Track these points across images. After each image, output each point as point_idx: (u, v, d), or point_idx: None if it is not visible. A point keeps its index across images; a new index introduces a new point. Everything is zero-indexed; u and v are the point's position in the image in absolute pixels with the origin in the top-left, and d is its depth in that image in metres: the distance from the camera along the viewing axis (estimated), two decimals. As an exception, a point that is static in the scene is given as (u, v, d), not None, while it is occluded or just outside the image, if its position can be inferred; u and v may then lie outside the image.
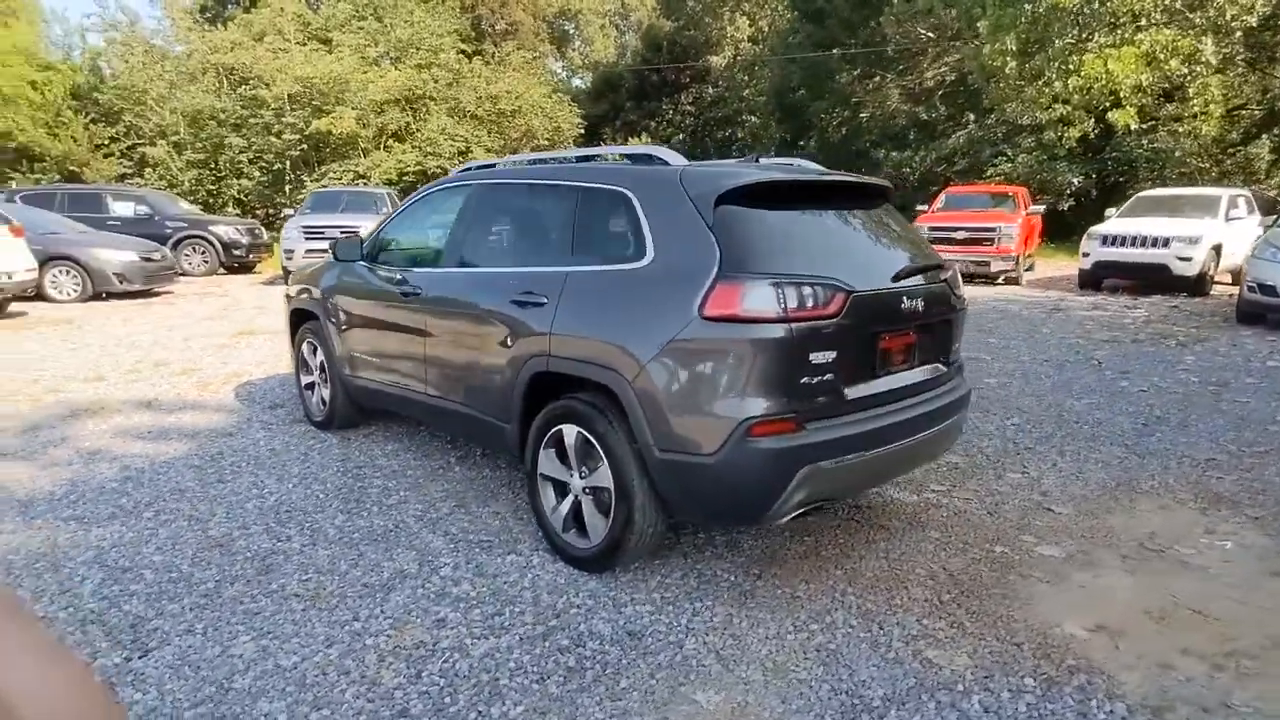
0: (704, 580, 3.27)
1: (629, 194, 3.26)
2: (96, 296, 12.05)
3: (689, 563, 3.41)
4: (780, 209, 3.20)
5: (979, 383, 6.38)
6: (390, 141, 23.41)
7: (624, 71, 34.74)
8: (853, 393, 3.05)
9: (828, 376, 2.92)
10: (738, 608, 3.06)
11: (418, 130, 23.16)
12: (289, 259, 13.46)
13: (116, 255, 12.16)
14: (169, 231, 15.69)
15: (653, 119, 34.29)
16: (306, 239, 13.49)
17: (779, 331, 2.79)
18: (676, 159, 3.43)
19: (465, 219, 4.19)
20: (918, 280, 3.33)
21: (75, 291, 11.95)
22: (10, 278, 10.09)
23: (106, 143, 22.16)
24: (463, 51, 25.12)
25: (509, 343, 3.56)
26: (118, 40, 24.05)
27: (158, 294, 13.17)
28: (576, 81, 40.06)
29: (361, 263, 4.65)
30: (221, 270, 16.21)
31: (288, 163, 22.53)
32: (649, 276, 3.08)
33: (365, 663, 2.71)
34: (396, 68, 23.15)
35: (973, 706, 2.50)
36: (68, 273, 11.94)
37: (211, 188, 22.51)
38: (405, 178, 21.64)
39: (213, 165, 22.72)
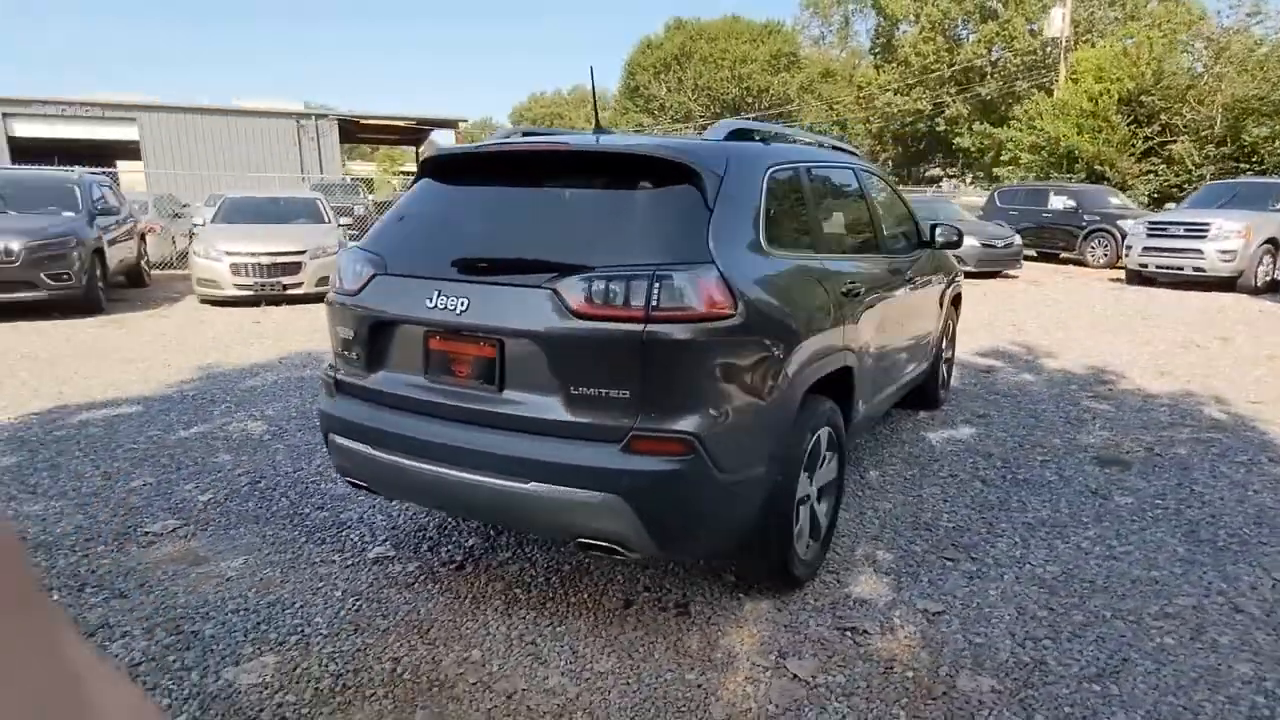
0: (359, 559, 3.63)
1: None
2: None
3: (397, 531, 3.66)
4: (466, 183, 2.97)
5: None
6: None
7: None
8: (375, 383, 2.80)
9: (353, 355, 2.84)
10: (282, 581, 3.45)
11: None
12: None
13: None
14: (1084, 224, 15.51)
15: None
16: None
17: (331, 298, 2.96)
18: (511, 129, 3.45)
19: None
20: (495, 279, 2.55)
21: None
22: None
23: (1136, 143, 21.58)
24: None
25: None
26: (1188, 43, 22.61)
27: (1004, 275, 13.78)
28: None
29: None
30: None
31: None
32: None
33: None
34: None
35: None
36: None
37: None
38: None
39: (1246, 158, 19.81)
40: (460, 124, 34.62)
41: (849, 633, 2.75)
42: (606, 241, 2.55)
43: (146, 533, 3.49)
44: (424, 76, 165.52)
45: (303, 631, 2.74)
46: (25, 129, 30.95)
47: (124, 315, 9.30)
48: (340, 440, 2.87)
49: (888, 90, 44.67)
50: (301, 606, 2.89)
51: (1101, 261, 15.05)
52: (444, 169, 3.01)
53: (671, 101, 51.40)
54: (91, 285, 9.11)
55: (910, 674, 2.52)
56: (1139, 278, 12.65)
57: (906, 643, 2.69)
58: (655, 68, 52.15)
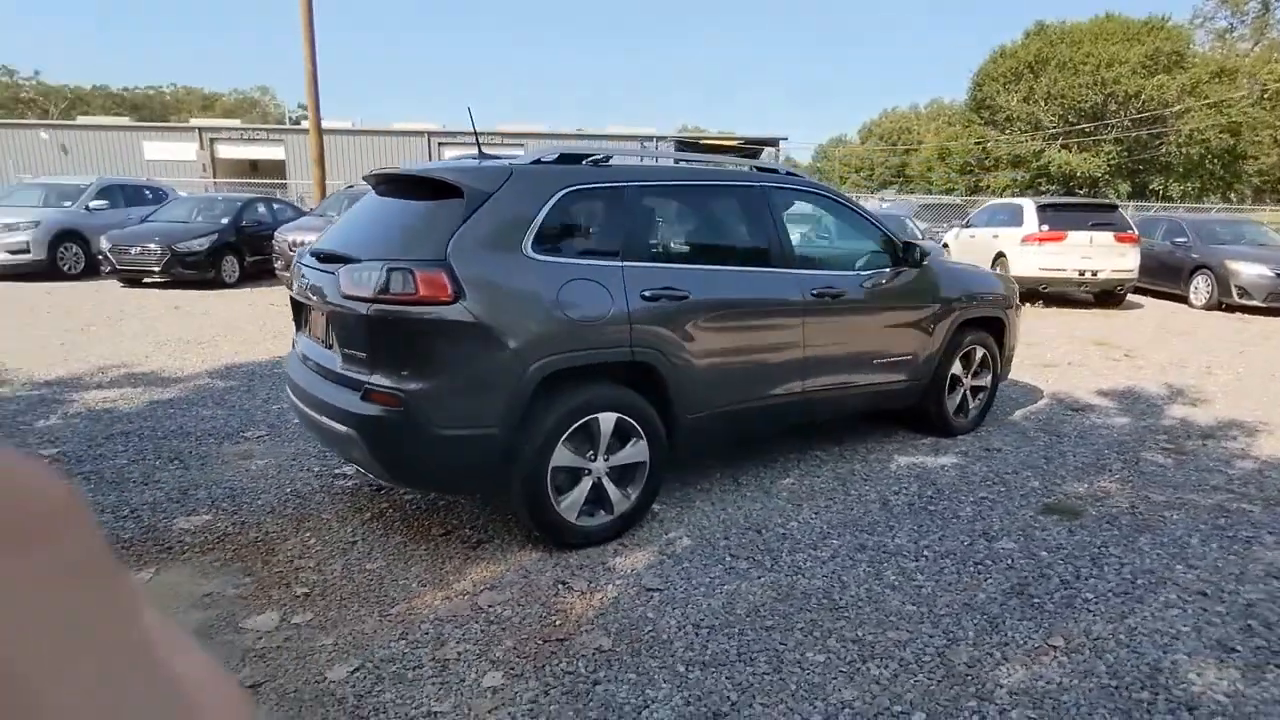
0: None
1: None
2: (1217, 306, 11.01)
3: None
4: (376, 194, 3.69)
5: None
6: None
7: None
8: (296, 342, 3.80)
9: (293, 320, 3.90)
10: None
11: None
12: None
13: (1246, 269, 10.67)
14: None
15: None
16: None
17: None
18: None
19: None
20: (325, 265, 3.32)
21: (1206, 297, 11.23)
22: (1095, 275, 10.92)
23: None
24: None
25: None
26: None
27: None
28: None
29: None
30: None
31: None
32: None
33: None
34: None
35: None
36: (1205, 280, 11.27)
37: None
38: None
39: None
40: (781, 141, 35.29)
41: (561, 585, 3.12)
42: (388, 242, 3.25)
43: (243, 435, 4.95)
44: (782, 93, 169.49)
45: (242, 506, 3.87)
46: (450, 154, 38.83)
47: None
48: (286, 385, 3.95)
49: (1306, 86, 35.57)
50: (261, 492, 4.04)
51: None
52: (375, 183, 3.90)
53: (1020, 112, 46.52)
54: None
55: (557, 621, 2.86)
56: None
57: (592, 603, 2.99)
58: (1005, 77, 47.62)
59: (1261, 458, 4.65)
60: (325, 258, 3.41)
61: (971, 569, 3.26)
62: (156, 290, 11.54)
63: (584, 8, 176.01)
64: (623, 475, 3.51)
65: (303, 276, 3.54)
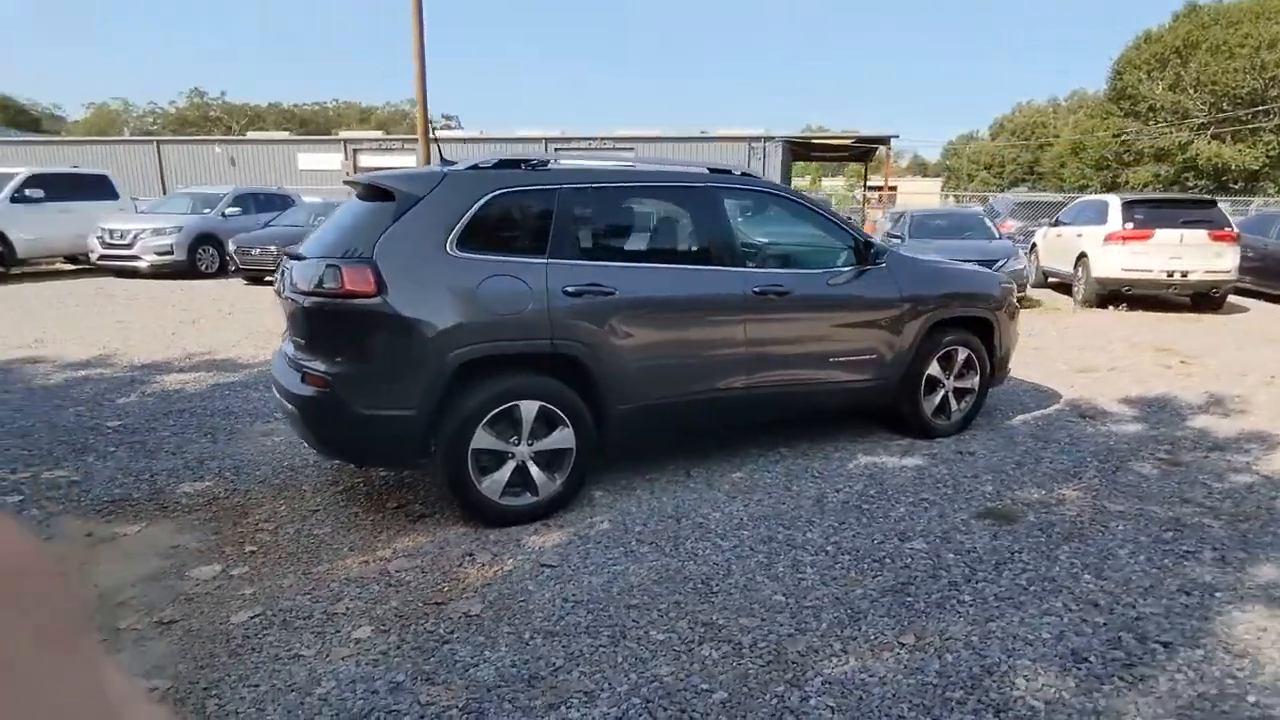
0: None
1: None
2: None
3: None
4: (356, 197, 4.01)
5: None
6: None
7: None
8: (283, 335, 4.10)
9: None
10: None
11: None
12: None
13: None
14: None
15: None
16: None
17: None
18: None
19: None
20: (292, 263, 3.59)
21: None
22: (1185, 276, 9.98)
23: None
24: None
25: None
26: None
27: None
28: None
29: None
30: None
31: None
32: None
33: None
34: None
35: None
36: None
37: None
38: None
39: None
40: (892, 139, 34.03)
41: (467, 558, 3.35)
42: (333, 242, 3.58)
43: (275, 416, 5.50)
44: (910, 90, 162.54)
45: (242, 475, 4.35)
46: (566, 160, 39.90)
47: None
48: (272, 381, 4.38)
49: None
50: (263, 465, 4.52)
51: None
52: (354, 189, 4.25)
53: (1165, 101, 42.46)
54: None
55: (445, 588, 3.09)
56: None
57: (485, 575, 3.20)
58: (1150, 64, 43.61)
59: (1262, 474, 4.21)
60: (293, 257, 3.79)
61: (864, 566, 3.21)
62: (271, 288, 12.72)
63: (726, 15, 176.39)
64: (551, 460, 3.68)
65: (282, 276, 3.94)
